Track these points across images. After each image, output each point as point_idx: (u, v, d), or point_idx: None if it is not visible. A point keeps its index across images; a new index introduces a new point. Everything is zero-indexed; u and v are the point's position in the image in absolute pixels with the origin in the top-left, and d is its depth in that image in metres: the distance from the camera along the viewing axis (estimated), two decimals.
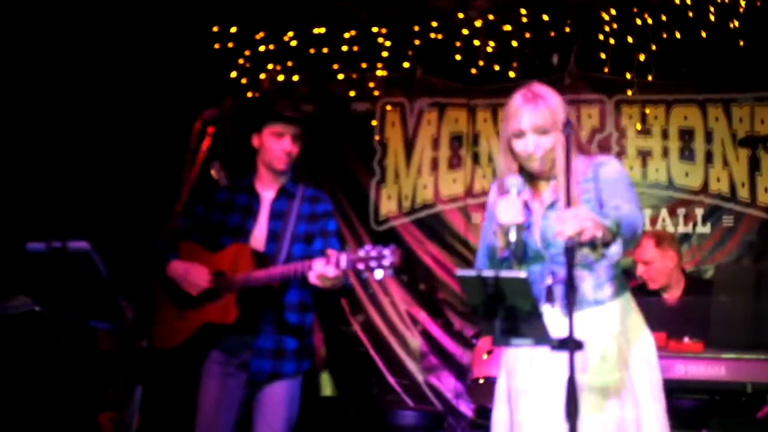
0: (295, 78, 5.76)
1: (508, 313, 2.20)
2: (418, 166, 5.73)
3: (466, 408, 5.20)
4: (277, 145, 3.20)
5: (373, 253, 2.76)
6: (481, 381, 4.55)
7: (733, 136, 5.30)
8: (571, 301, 2.10)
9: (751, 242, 5.23)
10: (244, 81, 5.73)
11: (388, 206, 5.74)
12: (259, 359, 3.12)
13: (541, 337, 2.20)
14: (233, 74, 5.67)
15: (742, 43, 5.08)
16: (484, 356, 4.61)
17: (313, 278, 2.86)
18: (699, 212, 5.34)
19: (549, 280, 2.54)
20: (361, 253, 2.78)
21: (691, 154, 5.38)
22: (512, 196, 2.44)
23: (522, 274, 2.14)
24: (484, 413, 4.93)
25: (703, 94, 5.37)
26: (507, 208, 2.43)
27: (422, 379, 5.44)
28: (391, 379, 5.45)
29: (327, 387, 4.84)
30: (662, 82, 5.30)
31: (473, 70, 5.48)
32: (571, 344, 2.07)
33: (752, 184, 5.28)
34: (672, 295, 4.17)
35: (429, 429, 4.66)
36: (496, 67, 5.39)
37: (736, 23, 5.03)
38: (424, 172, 5.71)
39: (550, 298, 2.53)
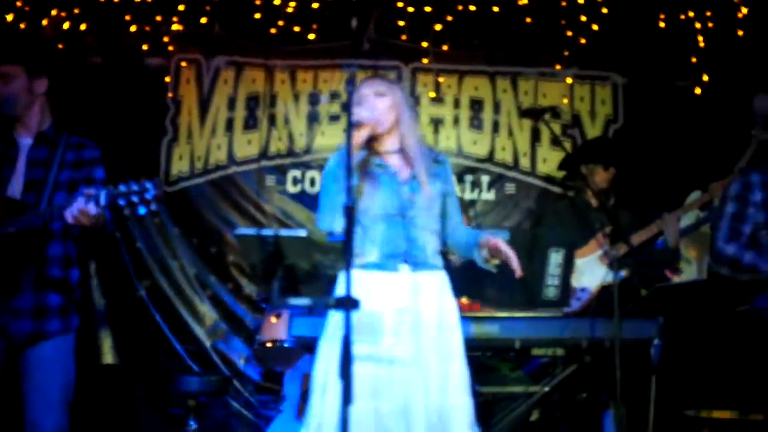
0: (83, 27, 5.37)
1: (287, 272, 2.18)
2: (212, 125, 5.53)
3: (253, 372, 5.16)
4: None
5: (135, 188, 2.63)
6: (269, 345, 4.53)
7: (519, 108, 5.59)
8: (349, 261, 2.11)
9: (530, 209, 5.56)
10: (22, 26, 5.26)
11: (179, 166, 5.51)
12: (17, 320, 2.90)
13: (319, 296, 2.20)
14: (9, 17, 5.19)
15: (529, 20, 5.34)
16: (273, 320, 4.58)
17: (70, 217, 2.70)
18: (485, 179, 5.59)
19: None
20: (122, 187, 2.64)
21: (479, 124, 5.61)
22: None
23: (302, 232, 2.13)
24: (271, 377, 4.94)
25: (493, 66, 5.60)
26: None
27: (210, 345, 5.31)
28: (177, 346, 5.29)
29: (108, 355, 4.62)
30: (456, 53, 5.47)
31: (272, 30, 5.36)
32: (347, 303, 2.08)
33: (533, 155, 5.60)
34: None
35: (214, 394, 4.57)
36: (296, 29, 5.32)
37: (526, 1, 5.26)
38: (218, 132, 5.53)
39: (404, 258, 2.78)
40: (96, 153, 3.19)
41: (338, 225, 2.69)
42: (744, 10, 5.27)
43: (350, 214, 2.14)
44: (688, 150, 5.39)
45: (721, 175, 4.47)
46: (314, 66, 5.55)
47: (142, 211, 2.62)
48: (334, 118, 5.50)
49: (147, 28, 5.42)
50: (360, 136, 2.74)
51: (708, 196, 4.50)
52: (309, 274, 2.16)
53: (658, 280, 4.66)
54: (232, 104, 5.55)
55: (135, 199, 2.61)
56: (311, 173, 5.46)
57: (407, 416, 2.65)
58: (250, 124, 5.54)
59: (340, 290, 2.44)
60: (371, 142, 2.88)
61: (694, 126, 5.45)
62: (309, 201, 5.34)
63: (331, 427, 2.61)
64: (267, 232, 2.10)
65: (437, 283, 2.89)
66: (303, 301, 2.16)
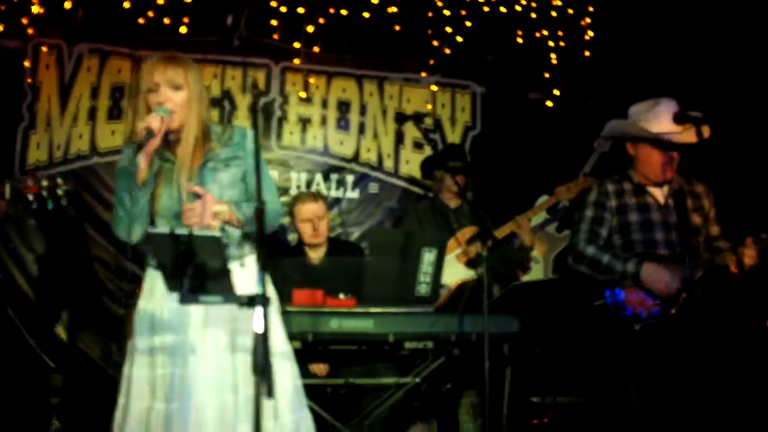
0: None
1: (196, 270, 2.23)
2: (74, 114, 5.34)
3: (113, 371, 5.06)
4: None
5: (45, 182, 2.58)
6: None
7: (384, 111, 5.81)
8: (262, 258, 2.20)
9: (392, 208, 5.80)
10: None
11: (37, 155, 5.28)
12: None
13: (229, 294, 2.27)
14: None
15: (398, 28, 5.56)
16: (134, 315, 4.54)
17: None
18: (350, 179, 5.77)
19: None
20: (30, 181, 2.58)
21: (346, 125, 5.78)
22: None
23: (216, 233, 2.19)
24: None
25: (361, 69, 5.79)
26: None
27: (67, 340, 5.15)
28: (32, 341, 5.07)
29: None
30: (326, 55, 5.59)
31: (141, 20, 5.25)
32: (260, 300, 2.17)
33: (396, 156, 5.84)
34: (318, 254, 4.49)
35: (75, 390, 4.45)
36: (167, 21, 5.24)
37: (395, 9, 5.47)
38: (80, 121, 5.35)
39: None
40: None
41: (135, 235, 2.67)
42: (591, 33, 5.75)
43: (261, 214, 2.22)
44: (537, 156, 5.81)
45: (566, 179, 4.87)
46: None
47: (50, 206, 2.57)
48: None
49: (2, 7, 5.16)
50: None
51: (554, 198, 4.88)
52: (219, 272, 2.22)
53: (511, 278, 5.02)
54: (95, 93, 5.39)
55: (44, 194, 2.55)
56: None
57: (224, 408, 2.62)
58: (115, 114, 5.41)
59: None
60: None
61: (543, 135, 5.88)
62: None
63: (137, 420, 2.60)
64: (181, 231, 2.14)
65: (248, 274, 2.77)
66: (214, 299, 2.22)
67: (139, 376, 2.65)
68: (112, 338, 5.04)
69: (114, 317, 5.10)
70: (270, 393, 1.94)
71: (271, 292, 2.79)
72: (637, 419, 3.46)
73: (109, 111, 5.41)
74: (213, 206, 2.57)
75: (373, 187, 5.80)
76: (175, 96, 2.66)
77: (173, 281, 2.24)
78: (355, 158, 5.78)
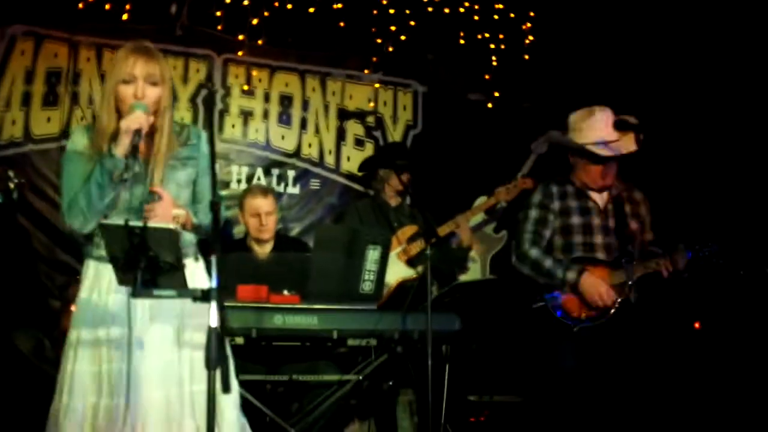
0: None
1: (150, 264, 2.20)
2: (6, 98, 5.14)
3: (48, 366, 4.91)
4: None
5: None
6: None
7: (326, 107, 5.80)
8: (216, 253, 2.18)
9: (333, 204, 5.80)
10: None
11: None
12: None
13: (182, 288, 2.25)
14: None
15: (342, 24, 5.56)
16: (73, 308, 4.43)
17: None
18: (291, 174, 5.74)
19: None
20: None
21: (288, 119, 5.75)
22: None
23: (172, 225, 2.16)
24: None
25: (304, 64, 5.77)
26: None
27: None
28: None
29: None
30: (269, 48, 5.56)
31: (80, 5, 5.11)
32: (214, 295, 2.15)
33: (338, 153, 5.84)
34: (264, 250, 4.46)
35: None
36: (107, 6, 5.11)
37: (340, 5, 5.47)
38: (13, 106, 5.16)
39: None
40: None
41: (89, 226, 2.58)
42: (531, 38, 5.87)
43: (216, 208, 2.20)
44: (476, 157, 5.89)
45: (504, 180, 4.95)
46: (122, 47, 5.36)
47: (0, 200, 2.48)
48: None
49: None
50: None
51: (494, 199, 4.95)
52: (172, 266, 2.19)
53: (450, 277, 5.09)
54: (29, 77, 5.21)
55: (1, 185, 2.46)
56: None
57: (170, 403, 2.59)
58: (51, 100, 5.25)
59: None
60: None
61: (482, 135, 5.97)
62: None
63: (81, 419, 2.54)
64: (135, 224, 2.10)
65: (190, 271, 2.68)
66: (168, 292, 2.19)
67: (82, 372, 2.58)
68: (45, 333, 4.89)
69: (48, 311, 4.94)
70: (226, 388, 1.93)
71: None
72: (572, 418, 3.55)
73: (45, 97, 5.24)
74: (172, 209, 2.52)
75: (315, 183, 5.79)
76: (152, 92, 2.61)
77: (125, 274, 2.20)
78: (297, 153, 5.76)
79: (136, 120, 2.53)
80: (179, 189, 2.71)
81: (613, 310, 3.61)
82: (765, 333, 4.59)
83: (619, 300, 3.61)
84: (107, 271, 2.50)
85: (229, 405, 2.72)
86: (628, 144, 3.68)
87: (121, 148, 2.52)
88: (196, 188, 2.78)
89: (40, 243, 5.08)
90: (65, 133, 5.20)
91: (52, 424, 2.59)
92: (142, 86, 2.60)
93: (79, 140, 2.66)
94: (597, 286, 3.59)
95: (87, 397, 2.54)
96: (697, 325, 4.50)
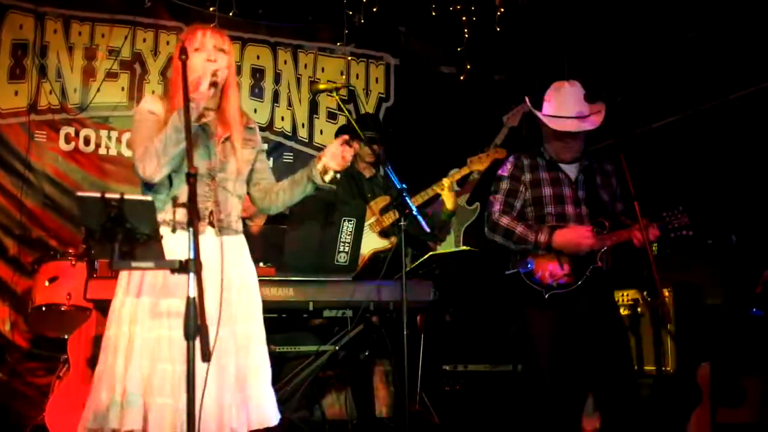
0: None
1: (126, 235, 2.19)
2: None
3: (20, 339, 4.89)
4: None
5: None
6: (44, 308, 4.37)
7: (298, 80, 5.77)
8: (196, 227, 2.17)
9: None
10: None
11: None
12: None
13: (159, 259, 2.24)
14: None
15: None
16: (47, 283, 4.41)
17: None
18: (264, 147, 5.69)
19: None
20: None
21: (260, 93, 5.72)
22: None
23: (148, 197, 2.15)
24: (39, 342, 4.74)
25: (275, 37, 5.73)
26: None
27: None
28: None
29: None
30: (240, 20, 5.51)
31: None
32: (193, 266, 2.14)
33: (311, 126, 5.82)
34: (257, 224, 4.45)
35: None
36: None
37: None
38: None
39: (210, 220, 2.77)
40: None
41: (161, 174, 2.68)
42: (502, 10, 5.86)
43: (193, 178, 2.19)
44: (449, 129, 5.91)
45: (477, 152, 4.97)
46: (90, 18, 5.29)
47: None
48: (112, 75, 5.30)
49: None
50: (211, 91, 2.73)
51: (467, 169, 4.96)
52: (149, 237, 2.19)
53: (423, 247, 5.10)
54: None
55: None
56: (86, 131, 5.23)
57: (217, 374, 2.66)
58: (17, 73, 5.17)
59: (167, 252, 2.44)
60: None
61: (454, 108, 5.98)
62: (84, 160, 5.14)
63: (135, 384, 2.58)
64: (112, 195, 2.09)
65: (239, 246, 2.93)
66: (147, 264, 2.18)
67: (147, 339, 2.63)
68: (16, 309, 4.85)
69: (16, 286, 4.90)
70: (205, 357, 1.93)
71: (250, 263, 2.97)
72: (546, 384, 3.61)
73: (11, 70, 5.16)
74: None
75: (288, 157, 5.78)
76: (222, 60, 2.79)
77: (102, 246, 2.19)
78: (269, 127, 5.74)
79: (213, 66, 2.72)
80: (246, 164, 2.94)
81: (584, 278, 3.65)
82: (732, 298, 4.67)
83: (591, 267, 3.65)
84: (169, 239, 2.57)
85: (264, 378, 2.83)
86: (595, 119, 3.72)
87: (201, 91, 2.65)
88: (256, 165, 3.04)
89: (8, 217, 5.01)
90: (33, 108, 5.13)
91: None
92: (213, 52, 2.77)
93: (152, 103, 2.80)
94: (570, 232, 3.63)
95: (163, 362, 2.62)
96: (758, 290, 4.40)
